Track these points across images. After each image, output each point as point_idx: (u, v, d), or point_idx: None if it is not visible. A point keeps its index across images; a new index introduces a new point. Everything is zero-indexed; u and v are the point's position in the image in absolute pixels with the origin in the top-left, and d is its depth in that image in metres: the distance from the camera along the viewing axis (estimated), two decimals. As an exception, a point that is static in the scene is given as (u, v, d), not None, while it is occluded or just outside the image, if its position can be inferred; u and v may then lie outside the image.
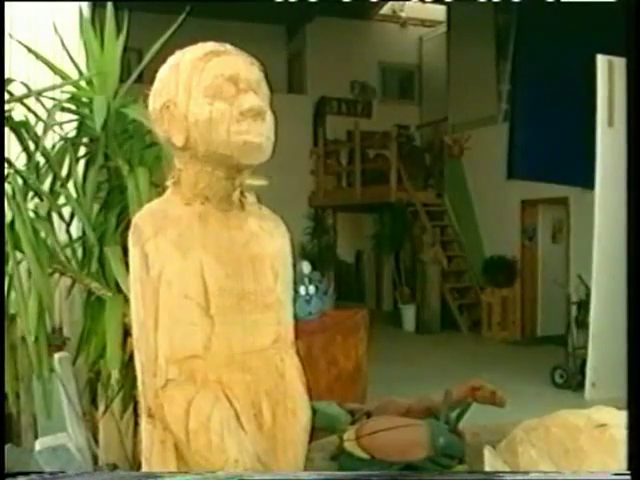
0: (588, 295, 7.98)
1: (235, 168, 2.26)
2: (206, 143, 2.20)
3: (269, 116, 2.30)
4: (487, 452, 3.42)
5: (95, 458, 4.00)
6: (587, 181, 8.00)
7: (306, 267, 6.58)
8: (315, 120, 15.63)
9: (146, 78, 2.46)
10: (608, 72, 7.73)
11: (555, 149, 10.62)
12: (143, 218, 2.26)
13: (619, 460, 3.93)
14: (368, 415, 5.48)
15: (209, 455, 2.14)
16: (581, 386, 7.81)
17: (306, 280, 6.46)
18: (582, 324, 8.30)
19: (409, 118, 15.89)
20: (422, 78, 16.78)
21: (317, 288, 6.60)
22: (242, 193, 2.35)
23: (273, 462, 2.22)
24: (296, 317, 6.16)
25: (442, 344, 11.66)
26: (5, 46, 3.90)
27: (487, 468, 3.28)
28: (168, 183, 2.35)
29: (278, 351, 2.33)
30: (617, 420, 4.22)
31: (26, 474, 2.32)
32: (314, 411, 4.77)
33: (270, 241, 2.37)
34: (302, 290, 6.37)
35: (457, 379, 5.71)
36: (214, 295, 2.19)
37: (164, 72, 2.32)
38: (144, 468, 2.35)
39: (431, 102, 15.98)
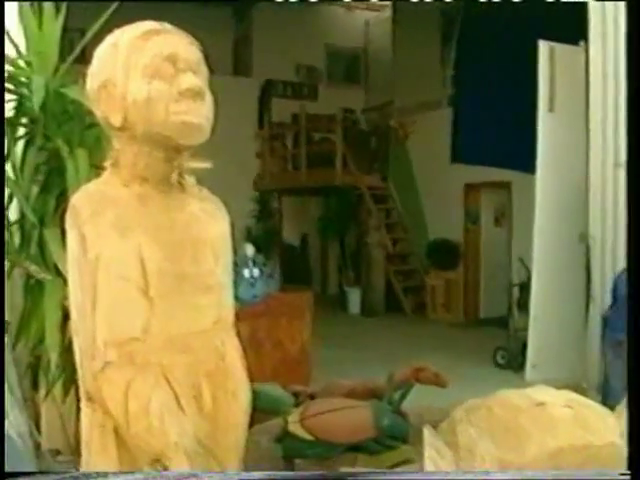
0: (529, 278, 8.09)
1: (174, 149, 2.24)
2: (144, 123, 2.18)
3: (208, 96, 2.28)
4: (426, 431, 3.46)
5: (37, 444, 3.95)
6: (529, 165, 8.09)
7: (250, 250, 6.57)
8: (261, 103, 15.53)
9: (89, 58, 2.43)
10: (549, 58, 7.81)
11: (498, 134, 10.75)
12: (80, 199, 2.23)
13: (557, 438, 4.01)
14: (312, 397, 5.51)
15: (149, 438, 2.13)
16: (522, 367, 7.92)
17: (250, 263, 6.45)
18: (523, 306, 8.40)
19: (355, 102, 15.88)
20: (368, 62, 16.78)
21: (262, 271, 6.60)
22: (181, 174, 2.33)
23: (214, 444, 2.22)
24: (241, 300, 6.17)
25: (387, 326, 11.73)
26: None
27: (426, 447, 3.32)
28: (106, 164, 2.32)
29: (219, 333, 2.33)
30: (556, 399, 4.31)
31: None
32: (258, 394, 4.79)
33: (210, 223, 2.36)
34: (246, 273, 6.36)
35: (401, 361, 5.77)
36: (153, 277, 2.17)
37: (102, 51, 2.28)
38: (83, 452, 2.33)
39: (377, 86, 15.99)
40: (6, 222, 3.70)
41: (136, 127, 2.19)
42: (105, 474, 2.19)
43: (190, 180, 2.37)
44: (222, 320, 2.34)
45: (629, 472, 2.42)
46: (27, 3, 3.84)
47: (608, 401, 4.71)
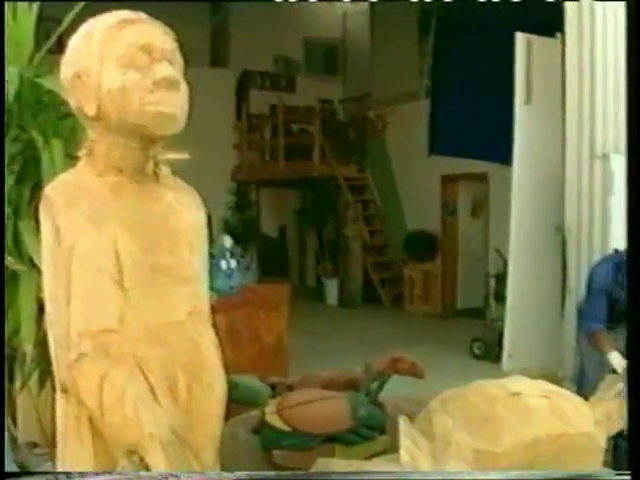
0: (505, 268, 8.13)
1: (149, 139, 2.22)
2: (119, 113, 2.16)
3: (183, 86, 2.26)
4: (402, 421, 3.48)
5: (14, 438, 3.93)
6: (506, 157, 8.13)
7: (227, 241, 6.55)
8: (238, 94, 15.49)
9: (65, 48, 2.41)
10: (526, 50, 7.84)
11: (475, 126, 10.77)
12: (54, 190, 2.21)
13: (533, 427, 4.04)
14: (290, 388, 5.51)
15: (124, 429, 2.12)
16: (499, 357, 7.96)
17: (227, 254, 6.43)
18: (500, 297, 8.45)
19: (333, 93, 15.88)
20: (346, 53, 16.76)
21: (239, 262, 6.58)
22: (156, 165, 2.32)
23: (189, 436, 2.21)
24: (218, 292, 6.15)
25: (364, 318, 11.76)
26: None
27: (402, 437, 3.33)
28: (80, 154, 2.30)
29: (194, 324, 2.32)
30: (531, 389, 4.34)
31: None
32: (235, 385, 4.79)
33: (186, 214, 2.35)
34: (223, 264, 6.35)
35: (379, 352, 5.77)
36: (128, 268, 2.16)
37: (76, 40, 2.26)
38: (59, 444, 2.32)
39: (355, 77, 15.99)
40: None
41: (110, 117, 2.18)
42: (98, 474, 2.18)
43: (165, 170, 2.35)
44: (198, 311, 2.34)
45: (629, 472, 2.43)
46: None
47: (583, 391, 4.75)
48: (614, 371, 4.69)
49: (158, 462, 2.08)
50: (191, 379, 2.27)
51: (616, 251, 5.40)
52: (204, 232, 2.42)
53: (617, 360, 4.68)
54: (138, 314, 2.18)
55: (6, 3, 3.75)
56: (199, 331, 2.33)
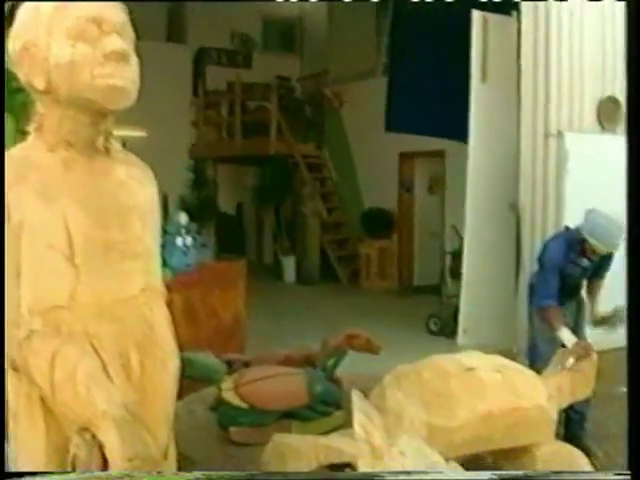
0: (461, 246, 8.19)
1: (99, 113, 2.19)
2: (68, 87, 2.12)
3: (134, 60, 2.23)
4: (355, 396, 3.50)
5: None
6: (462, 135, 8.16)
7: (183, 218, 6.51)
8: (195, 71, 15.34)
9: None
10: (482, 28, 7.86)
11: (432, 103, 10.78)
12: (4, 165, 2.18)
13: (487, 401, 4.10)
14: (246, 365, 5.53)
15: (76, 407, 2.11)
16: (454, 333, 8.04)
17: (183, 231, 6.40)
18: (455, 274, 8.51)
19: (290, 70, 15.79)
20: (303, 30, 16.67)
21: (195, 240, 6.55)
22: (107, 139, 2.28)
23: (142, 413, 2.20)
24: (174, 269, 6.10)
25: (321, 295, 11.79)
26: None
27: (355, 412, 3.35)
28: (30, 128, 2.27)
29: (147, 301, 2.30)
30: (485, 363, 4.40)
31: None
32: (190, 362, 4.78)
33: (138, 189, 2.32)
34: (179, 241, 6.31)
35: (336, 329, 5.81)
36: (79, 244, 2.13)
37: (24, 12, 2.22)
38: (10, 423, 2.29)
39: (312, 55, 15.91)
40: None
41: (60, 90, 2.14)
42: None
43: (116, 145, 2.32)
44: (150, 288, 2.32)
45: (629, 472, 2.47)
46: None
47: (535, 365, 4.82)
48: (564, 346, 4.76)
49: (111, 440, 2.07)
50: (144, 356, 2.25)
51: (567, 228, 5.48)
52: (156, 207, 2.40)
53: (567, 336, 4.75)
54: (89, 290, 2.16)
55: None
56: (151, 307, 2.31)
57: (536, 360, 4.99)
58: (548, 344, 4.93)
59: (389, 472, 3.06)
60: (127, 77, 2.18)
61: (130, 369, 2.22)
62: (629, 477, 2.45)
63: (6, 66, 2.33)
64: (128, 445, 2.05)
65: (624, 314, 5.01)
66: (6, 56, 2.26)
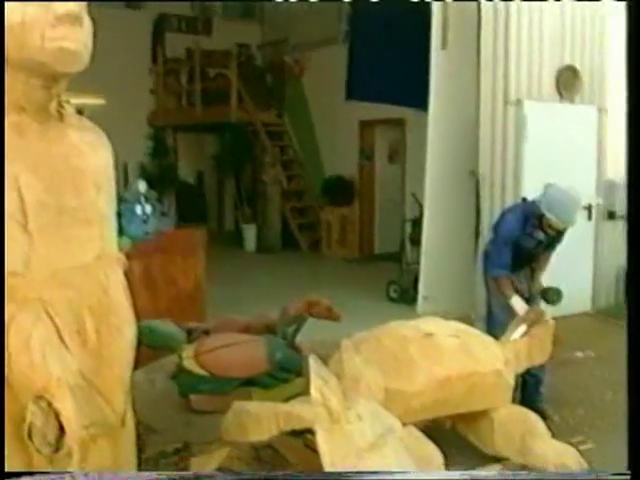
0: (421, 213, 8.22)
1: (51, 76, 2.15)
2: (19, 49, 2.08)
3: (87, 22, 2.19)
4: (311, 360, 3.51)
5: None
6: (422, 103, 8.16)
7: (142, 186, 6.43)
8: (154, 37, 15.12)
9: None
10: (443, -5, 7.85)
11: (392, 71, 10.77)
12: (-47, 130, 2.13)
13: (444, 367, 4.14)
14: (206, 333, 5.52)
15: (31, 374, 2.09)
16: (414, 300, 8.09)
17: (142, 199, 6.32)
18: (416, 241, 8.54)
19: (250, 37, 15.62)
20: (264, -4, 16.51)
21: (154, 207, 6.48)
22: (60, 104, 2.25)
23: (98, 379, 2.19)
24: (133, 237, 6.05)
25: (282, 263, 11.79)
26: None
27: (312, 376, 3.37)
28: (-20, 92, 2.22)
29: (102, 267, 2.28)
30: (443, 329, 4.44)
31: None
32: (149, 330, 4.76)
33: (91, 154, 2.29)
34: (138, 209, 6.24)
35: (297, 297, 5.82)
36: (32, 210, 2.10)
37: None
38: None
39: (273, 22, 15.74)
40: None
41: (10, 53, 2.10)
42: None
43: (70, 110, 2.29)
44: (105, 254, 2.30)
45: (629, 472, 2.50)
46: None
47: (492, 331, 4.88)
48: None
49: (67, 407, 2.06)
50: (99, 322, 2.24)
51: (524, 200, 5.53)
52: (111, 173, 2.37)
53: (518, 304, 4.83)
54: (43, 257, 2.13)
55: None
56: (107, 274, 2.29)
57: (493, 326, 5.05)
58: (503, 310, 5.00)
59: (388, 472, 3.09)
60: (79, 40, 2.14)
61: (85, 336, 2.21)
62: (629, 477, 2.49)
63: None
64: (84, 412, 2.05)
65: (559, 294, 5.15)
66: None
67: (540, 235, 4.98)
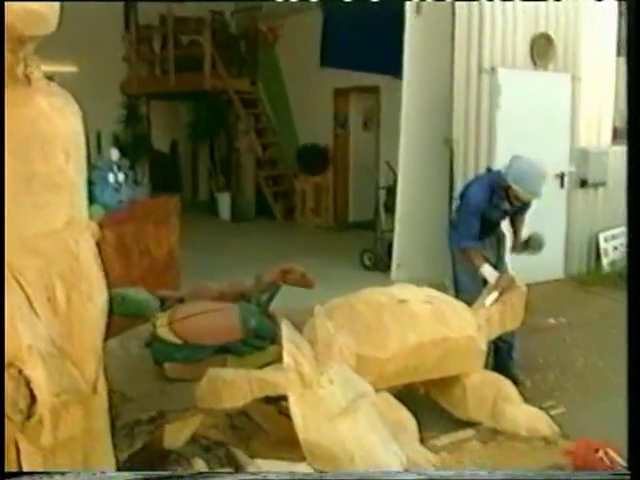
0: (395, 181, 8.22)
1: (17, 39, 2.11)
2: None
3: (53, -15, 2.15)
4: (284, 326, 3.53)
5: None
6: (396, 70, 8.12)
7: (114, 154, 6.37)
8: (126, 4, 14.91)
9: None
10: (416, -40, 7.79)
11: (367, 38, 10.71)
12: None
13: (418, 333, 4.17)
14: (180, 301, 5.50)
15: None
16: (388, 267, 8.11)
17: (115, 168, 6.27)
18: (390, 209, 8.54)
19: (224, 4, 15.47)
20: (237, -38, 16.32)
21: (127, 176, 6.43)
22: (27, 68, 2.21)
23: (69, 347, 2.18)
24: (105, 206, 6.00)
25: (257, 231, 11.75)
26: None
27: (284, 341, 3.38)
28: (-55, 56, 2.18)
29: (72, 234, 2.26)
30: (416, 295, 4.47)
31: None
32: (122, 298, 4.74)
33: (60, 119, 2.25)
34: (111, 178, 6.19)
35: (271, 265, 5.81)
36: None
37: None
38: None
39: (246, -13, 15.62)
40: None
41: None
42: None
43: (37, 73, 2.25)
44: (75, 221, 2.27)
45: (629, 472, 2.52)
46: None
47: (461, 296, 4.92)
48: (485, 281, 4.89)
49: (37, 374, 2.05)
50: (70, 290, 2.22)
51: (489, 170, 5.56)
52: (81, 139, 2.34)
53: (489, 272, 4.87)
54: (12, 224, 2.11)
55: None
56: (77, 241, 2.27)
57: (460, 292, 5.09)
58: (469, 277, 5.04)
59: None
60: (45, 2, 2.10)
61: (56, 303, 2.19)
62: (629, 477, 2.52)
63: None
64: (55, 380, 2.04)
65: (540, 239, 5.20)
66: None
67: (506, 206, 5.02)
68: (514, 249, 5.28)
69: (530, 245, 5.20)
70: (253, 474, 2.91)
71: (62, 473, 2.23)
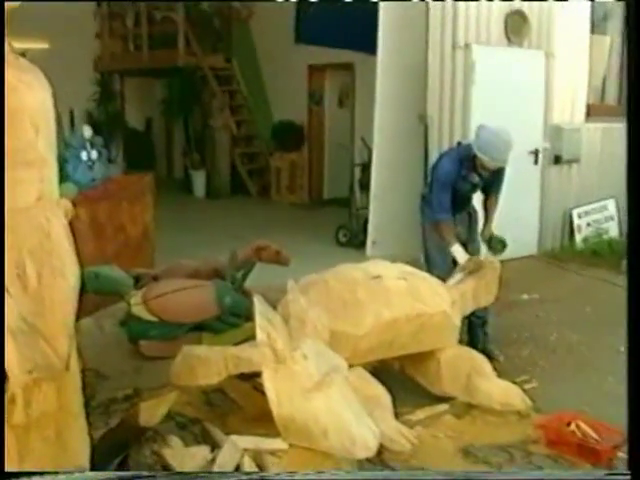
0: (371, 158, 8.21)
1: None
2: None
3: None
4: (256, 300, 3.53)
5: None
6: (371, 46, 8.10)
7: (87, 131, 6.31)
8: (98, -21, 14.76)
9: None
10: None
11: (341, 15, 10.65)
12: None
13: (392, 309, 4.18)
14: (155, 279, 5.49)
15: (-29, 319, 2.06)
16: (363, 244, 8.13)
17: (88, 145, 6.21)
18: (365, 186, 8.55)
19: (197, -21, 15.36)
20: (210, -63, 16.15)
21: (100, 154, 6.38)
22: (-6, 41, 2.18)
23: (41, 323, 2.17)
24: (79, 184, 5.96)
25: (232, 209, 11.73)
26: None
27: (257, 316, 3.39)
28: None
29: (42, 210, 2.24)
30: (391, 271, 4.48)
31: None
32: (95, 275, 4.72)
33: (28, 93, 2.22)
34: (84, 155, 6.14)
35: (246, 243, 5.81)
36: None
37: None
38: None
39: (220, -37, 15.48)
40: None
41: None
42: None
43: (5, 47, 2.21)
44: (45, 197, 2.25)
45: (629, 472, 2.53)
46: None
47: (432, 271, 4.94)
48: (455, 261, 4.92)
49: (8, 351, 2.04)
50: (41, 266, 2.20)
51: (459, 144, 5.56)
52: (51, 115, 2.31)
53: (459, 253, 4.89)
54: (-18, 200, 2.09)
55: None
56: (48, 217, 2.25)
57: (432, 267, 5.10)
58: (440, 253, 5.06)
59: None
60: None
61: (26, 279, 2.17)
62: (629, 477, 2.54)
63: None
64: (26, 357, 2.03)
65: (502, 241, 5.23)
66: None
67: (475, 178, 5.03)
68: (482, 234, 5.29)
69: (492, 246, 5.23)
70: (253, 474, 2.92)
71: (62, 473, 2.23)
